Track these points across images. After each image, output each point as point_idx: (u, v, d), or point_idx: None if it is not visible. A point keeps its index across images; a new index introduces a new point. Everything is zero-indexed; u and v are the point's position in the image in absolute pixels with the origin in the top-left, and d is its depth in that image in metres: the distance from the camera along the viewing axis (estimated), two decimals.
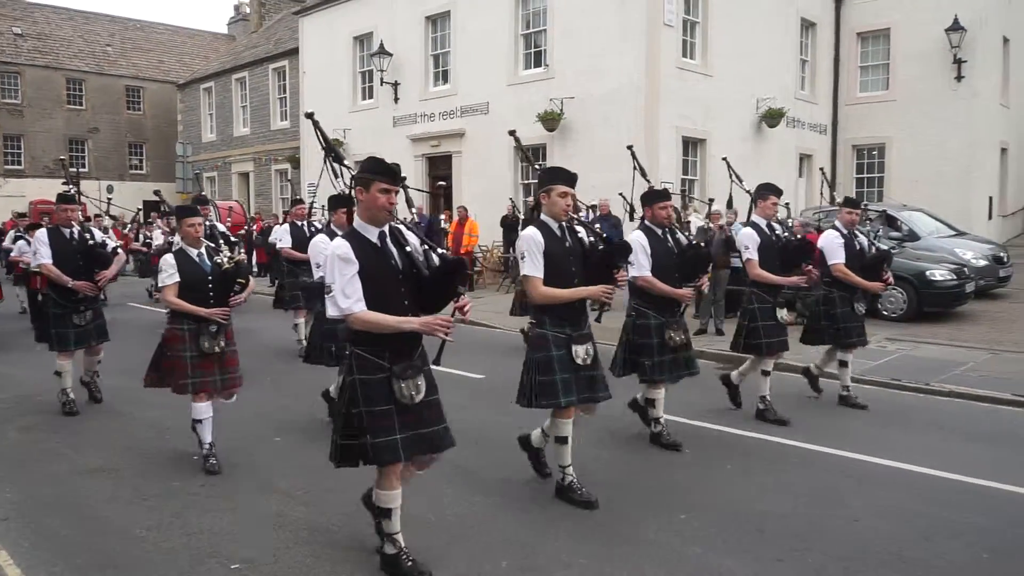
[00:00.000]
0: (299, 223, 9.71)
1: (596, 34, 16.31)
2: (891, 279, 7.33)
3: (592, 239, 4.73)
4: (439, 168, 20.31)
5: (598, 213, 13.49)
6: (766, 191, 6.58)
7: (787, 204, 7.11)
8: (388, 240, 3.63)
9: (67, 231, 6.75)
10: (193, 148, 30.17)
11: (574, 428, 4.74)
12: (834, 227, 7.09)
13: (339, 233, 5.94)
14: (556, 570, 3.89)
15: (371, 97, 22.00)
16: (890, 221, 13.96)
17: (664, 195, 5.66)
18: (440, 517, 4.51)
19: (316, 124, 4.38)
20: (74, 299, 6.73)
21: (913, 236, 13.61)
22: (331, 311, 3.51)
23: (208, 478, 5.22)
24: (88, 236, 6.80)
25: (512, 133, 5.40)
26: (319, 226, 10.31)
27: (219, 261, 5.40)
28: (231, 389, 5.41)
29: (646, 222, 5.69)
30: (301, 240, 9.39)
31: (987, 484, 5.12)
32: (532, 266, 4.47)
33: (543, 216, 4.63)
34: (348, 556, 4.04)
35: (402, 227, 3.71)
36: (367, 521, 4.08)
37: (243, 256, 5.69)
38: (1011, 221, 23.61)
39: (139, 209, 18.15)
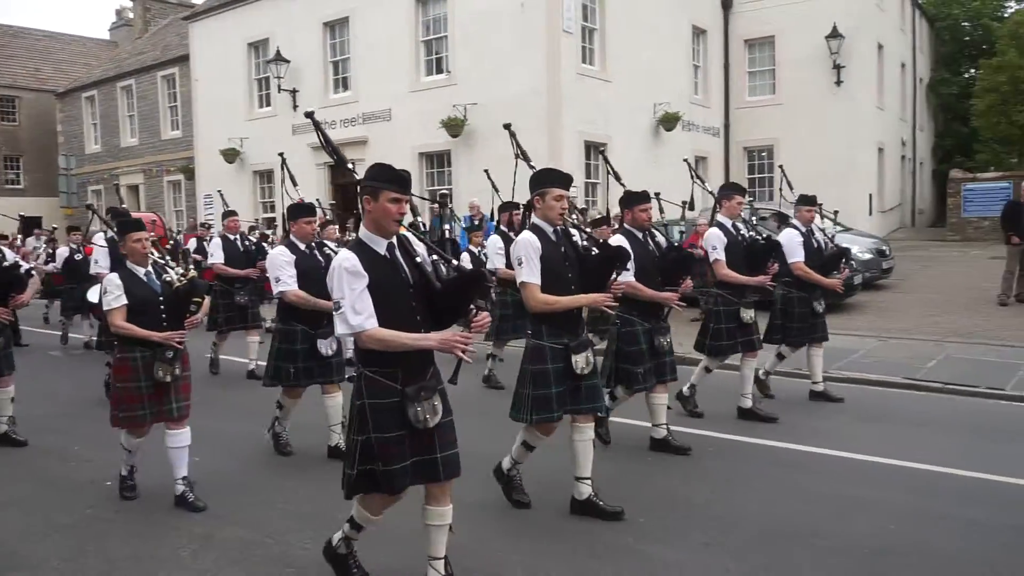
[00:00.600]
0: (232, 237, 9.12)
1: (497, 41, 16.47)
2: (847, 274, 7.35)
3: (586, 243, 4.59)
4: (341, 177, 20.03)
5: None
6: (731, 191, 6.55)
7: (751, 201, 7.13)
8: (397, 251, 3.43)
9: None
10: (76, 160, 28.71)
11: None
12: (792, 225, 7.11)
13: (300, 245, 5.72)
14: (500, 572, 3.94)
15: (268, 105, 21.52)
16: (782, 219, 14.65)
17: (644, 197, 5.47)
18: (391, 529, 4.47)
19: (317, 125, 4.03)
20: None
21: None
22: (341, 329, 3.30)
23: (124, 504, 5.00)
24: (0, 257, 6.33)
25: (508, 127, 5.19)
26: (254, 239, 9.91)
27: (169, 279, 4.94)
28: (184, 419, 4.92)
29: (626, 225, 5.46)
30: (234, 256, 8.93)
31: (886, 462, 5.49)
32: (530, 272, 4.27)
33: (536, 220, 4.43)
34: (286, 573, 3.96)
35: (410, 236, 3.51)
36: (302, 534, 3.98)
37: (194, 272, 5.29)
38: (889, 216, 25.15)
39: (54, 228, 17.00)
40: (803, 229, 6.99)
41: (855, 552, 4.06)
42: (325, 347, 5.62)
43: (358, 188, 3.48)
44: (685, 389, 6.83)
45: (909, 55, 28.46)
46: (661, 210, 6.06)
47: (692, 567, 3.95)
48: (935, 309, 12.10)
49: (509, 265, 6.93)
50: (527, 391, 4.40)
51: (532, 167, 4.60)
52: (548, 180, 4.39)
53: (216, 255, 8.99)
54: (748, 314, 6.45)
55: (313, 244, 5.81)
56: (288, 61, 20.07)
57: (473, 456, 5.33)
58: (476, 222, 12.11)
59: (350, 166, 3.73)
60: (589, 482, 4.60)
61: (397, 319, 3.30)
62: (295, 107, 20.38)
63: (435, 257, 3.51)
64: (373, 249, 3.37)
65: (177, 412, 4.89)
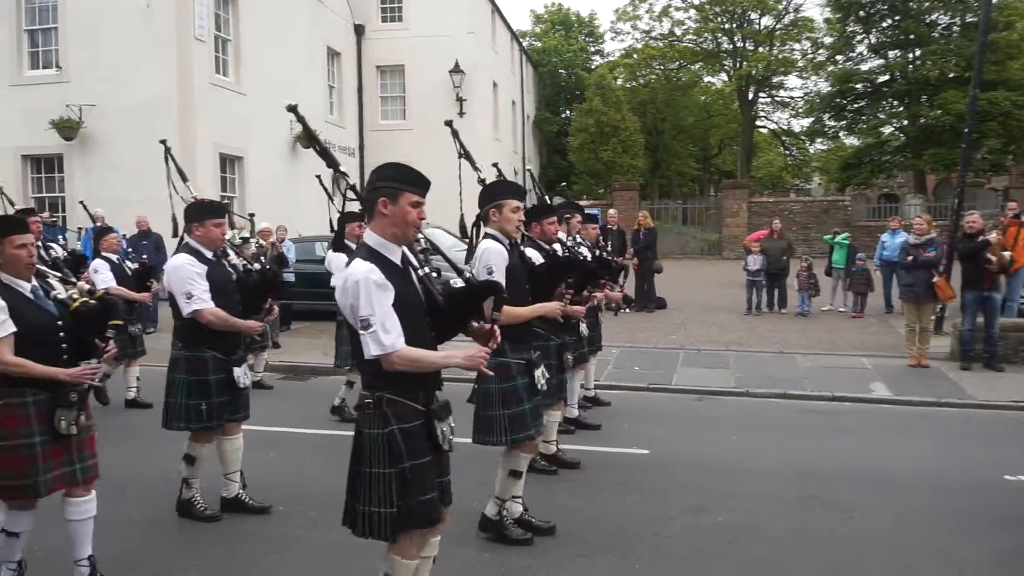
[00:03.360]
0: (115, 258, 7.45)
1: (120, 41, 15.27)
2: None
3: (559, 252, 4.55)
4: None
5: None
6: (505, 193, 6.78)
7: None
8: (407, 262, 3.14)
9: None
10: None
11: None
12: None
13: (207, 252, 4.68)
14: None
15: None
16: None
17: (551, 209, 5.28)
18: None
19: (303, 120, 3.34)
20: None
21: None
22: (373, 350, 2.88)
23: None
24: None
25: (449, 123, 4.63)
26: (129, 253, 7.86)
27: (63, 297, 3.72)
28: (91, 482, 3.76)
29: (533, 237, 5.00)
30: (120, 275, 7.32)
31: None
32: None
33: (492, 232, 4.26)
34: None
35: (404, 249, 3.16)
36: None
37: (102, 289, 4.12)
38: None
39: None
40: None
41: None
42: (242, 376, 4.68)
43: (352, 191, 3.11)
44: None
45: (519, 95, 32.14)
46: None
47: None
48: None
49: None
50: (496, 412, 4.20)
51: (478, 169, 4.40)
52: (505, 192, 4.31)
53: (104, 275, 7.22)
54: None
55: (218, 253, 4.80)
56: None
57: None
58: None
59: (343, 170, 3.20)
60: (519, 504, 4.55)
61: (415, 336, 2.99)
62: None
63: (427, 269, 3.20)
64: (388, 258, 3.01)
65: (82, 474, 3.70)
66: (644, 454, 6.22)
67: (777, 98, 43.93)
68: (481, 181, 4.42)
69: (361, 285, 2.87)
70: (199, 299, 4.46)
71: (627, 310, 14.25)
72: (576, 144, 32.98)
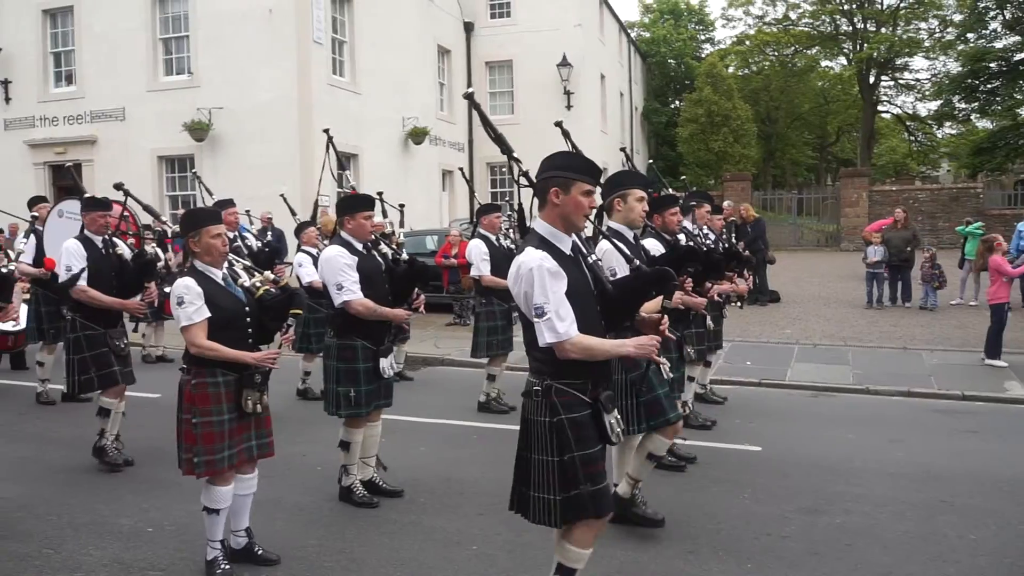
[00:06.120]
0: (314, 251, 7.67)
1: (245, 46, 16.07)
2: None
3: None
4: (67, 178, 18.27)
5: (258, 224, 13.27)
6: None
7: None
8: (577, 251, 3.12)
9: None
10: None
11: None
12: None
13: (357, 244, 4.77)
14: None
15: None
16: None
17: (674, 200, 5.15)
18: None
19: (478, 107, 3.50)
20: None
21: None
22: (547, 338, 2.89)
23: None
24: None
25: (559, 124, 4.57)
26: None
27: (251, 286, 4.02)
28: (264, 457, 4.06)
29: (654, 229, 4.98)
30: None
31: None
32: None
33: (614, 224, 4.21)
34: None
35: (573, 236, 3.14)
36: None
37: (287, 278, 4.55)
38: None
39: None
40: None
41: None
42: (387, 367, 4.81)
43: (525, 178, 3.19)
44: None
45: (626, 86, 31.80)
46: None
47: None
48: None
49: (494, 272, 6.83)
50: (632, 402, 4.19)
51: (577, 149, 4.19)
52: (629, 181, 4.25)
53: (307, 268, 7.56)
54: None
55: (369, 243, 4.95)
56: None
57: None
58: (232, 235, 11.74)
59: (516, 155, 3.33)
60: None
61: (586, 324, 2.97)
62: (7, 99, 18.27)
63: (595, 257, 3.23)
64: (559, 248, 3.02)
65: (257, 450, 4.00)
66: (756, 451, 6.08)
67: (901, 81, 41.66)
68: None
69: (535, 273, 2.89)
70: (348, 290, 4.62)
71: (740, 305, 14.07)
72: (685, 134, 32.35)
